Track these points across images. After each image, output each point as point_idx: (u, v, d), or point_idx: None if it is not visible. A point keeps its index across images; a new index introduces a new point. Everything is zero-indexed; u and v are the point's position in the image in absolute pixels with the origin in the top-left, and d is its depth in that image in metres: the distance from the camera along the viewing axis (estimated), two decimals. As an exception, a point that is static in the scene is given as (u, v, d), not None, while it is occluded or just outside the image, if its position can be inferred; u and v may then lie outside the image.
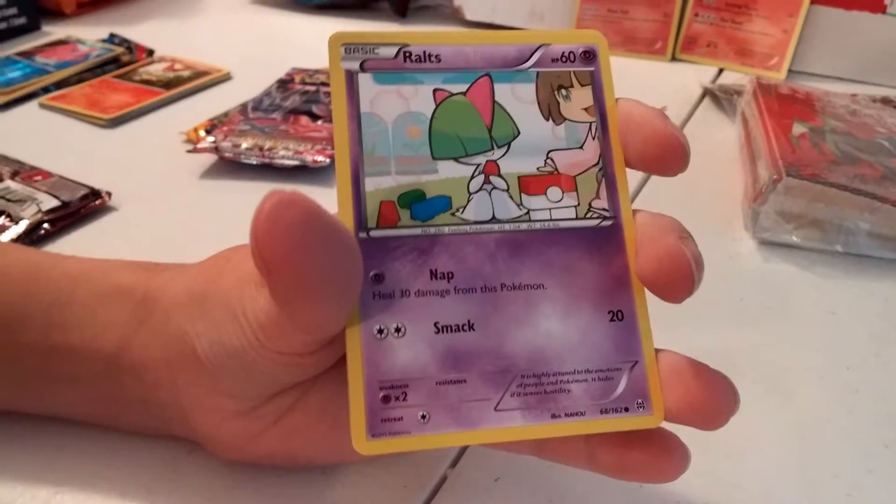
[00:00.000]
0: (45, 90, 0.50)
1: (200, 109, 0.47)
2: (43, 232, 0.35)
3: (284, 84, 0.50)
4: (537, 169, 0.19)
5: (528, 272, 0.18)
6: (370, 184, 0.18)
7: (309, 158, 0.40)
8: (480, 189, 0.19)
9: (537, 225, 0.19)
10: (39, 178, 0.39)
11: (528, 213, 0.19)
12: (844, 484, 0.24)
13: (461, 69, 0.19)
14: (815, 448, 0.25)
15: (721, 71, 0.60)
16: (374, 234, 0.18)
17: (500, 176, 0.19)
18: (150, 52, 0.56)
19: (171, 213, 0.38)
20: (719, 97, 0.52)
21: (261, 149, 0.41)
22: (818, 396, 0.28)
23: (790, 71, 0.59)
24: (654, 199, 0.39)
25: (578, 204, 0.19)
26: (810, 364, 0.29)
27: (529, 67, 0.19)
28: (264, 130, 0.43)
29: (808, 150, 0.38)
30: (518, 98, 0.19)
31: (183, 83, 0.51)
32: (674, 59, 0.62)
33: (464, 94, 0.19)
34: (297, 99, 0.48)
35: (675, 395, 0.18)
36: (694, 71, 0.59)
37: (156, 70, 0.53)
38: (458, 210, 0.18)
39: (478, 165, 0.19)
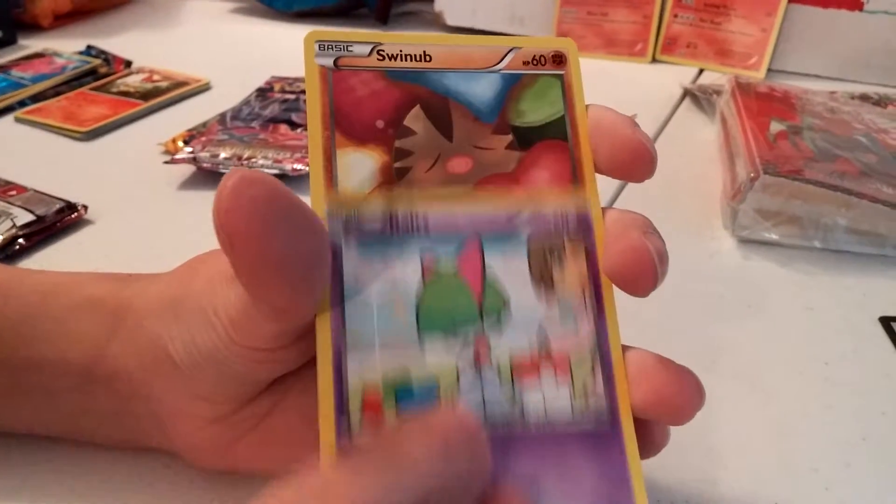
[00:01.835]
0: (22, 104, 0.49)
1: (179, 120, 0.47)
2: (18, 247, 0.35)
3: (264, 93, 0.50)
4: (528, 345, 0.18)
5: (520, 470, 0.17)
6: (353, 371, 0.17)
7: (288, 167, 0.40)
8: (471, 379, 0.17)
9: (531, 427, 0.17)
10: (14, 192, 0.38)
11: (521, 408, 0.17)
12: (823, 478, 0.24)
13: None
14: (793, 443, 0.25)
15: (701, 71, 0.61)
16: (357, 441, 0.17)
17: (490, 365, 0.17)
18: (128, 64, 0.56)
19: (148, 225, 0.38)
20: (699, 97, 0.52)
21: (239, 158, 0.41)
22: (797, 392, 0.28)
23: (770, 70, 0.59)
24: (634, 198, 0.40)
25: (573, 394, 0.18)
26: (789, 360, 0.29)
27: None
28: (243, 140, 0.43)
29: (785, 147, 0.39)
30: (508, 266, 0.18)
31: (161, 94, 0.51)
32: (654, 60, 0.62)
33: (454, 272, 0.18)
34: (276, 107, 0.47)
35: (642, 390, 0.18)
36: (674, 72, 0.60)
37: (133, 81, 0.53)
38: (445, 397, 0.17)
39: (466, 345, 0.17)
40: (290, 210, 0.16)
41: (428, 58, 0.19)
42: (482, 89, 0.20)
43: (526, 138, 0.19)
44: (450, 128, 0.19)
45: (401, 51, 0.19)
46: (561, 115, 0.20)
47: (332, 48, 0.19)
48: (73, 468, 0.23)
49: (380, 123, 0.19)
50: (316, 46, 0.19)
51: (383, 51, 0.19)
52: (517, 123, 0.20)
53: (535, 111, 0.20)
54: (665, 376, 0.18)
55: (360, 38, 0.19)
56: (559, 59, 0.20)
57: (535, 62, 0.20)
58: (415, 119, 0.19)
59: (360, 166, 0.18)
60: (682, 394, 0.17)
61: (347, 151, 0.18)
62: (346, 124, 0.18)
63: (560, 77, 0.20)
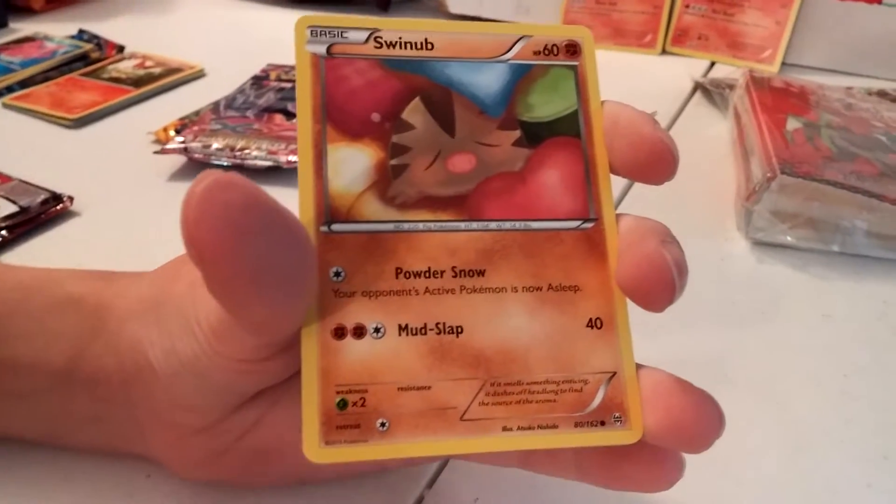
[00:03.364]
0: (9, 89, 0.48)
1: (171, 108, 0.46)
2: (0, 240, 0.33)
3: (259, 81, 0.48)
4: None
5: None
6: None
7: (283, 159, 0.38)
8: None
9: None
10: (-2, 181, 0.37)
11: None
12: (842, 500, 0.23)
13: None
14: (810, 460, 0.24)
15: (713, 64, 0.59)
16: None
17: None
18: (121, 49, 0.54)
19: (136, 217, 0.36)
20: (711, 91, 0.50)
21: (232, 149, 0.39)
22: (814, 405, 0.26)
23: (783, 64, 0.58)
24: (642, 198, 0.38)
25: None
26: (806, 370, 0.28)
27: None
28: (236, 130, 0.41)
29: (802, 145, 0.37)
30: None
31: (153, 81, 0.49)
32: (664, 52, 0.61)
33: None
34: (271, 96, 0.46)
35: (657, 415, 0.16)
36: (685, 64, 0.58)
37: (125, 67, 0.51)
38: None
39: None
40: (268, 218, 0.14)
41: (430, 46, 0.18)
42: (488, 81, 0.18)
43: (535, 134, 0.18)
44: (452, 122, 0.18)
45: (400, 38, 0.18)
46: (574, 110, 0.18)
47: (325, 34, 0.17)
48: (50, 476, 0.22)
49: (375, 117, 0.17)
50: (308, 32, 0.17)
51: (381, 38, 0.18)
52: (526, 118, 0.18)
53: (545, 105, 0.18)
54: (683, 400, 0.16)
55: (356, 23, 0.18)
56: (573, 49, 0.19)
57: (546, 52, 0.18)
58: (414, 112, 0.18)
59: (352, 163, 0.17)
60: (700, 419, 0.16)
61: (339, 147, 0.17)
62: (338, 117, 0.17)
63: (574, 68, 0.19)
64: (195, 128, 0.41)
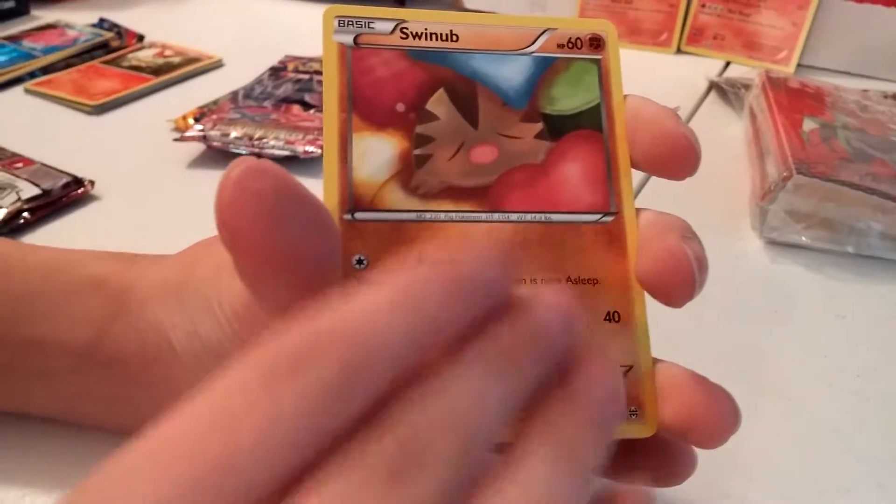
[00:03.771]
0: (32, 75, 0.48)
1: (190, 97, 0.46)
2: (22, 221, 0.34)
3: (277, 72, 0.49)
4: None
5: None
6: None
7: (300, 149, 0.39)
8: None
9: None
10: (21, 165, 0.37)
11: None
12: (855, 499, 0.23)
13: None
14: (823, 460, 0.24)
15: (728, 64, 0.59)
16: (359, 216, 0.17)
17: None
18: (141, 38, 0.55)
19: (155, 203, 0.37)
20: (726, 91, 0.50)
21: (250, 138, 0.40)
22: (827, 405, 0.26)
23: (799, 65, 0.57)
24: (657, 195, 0.38)
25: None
26: (819, 371, 0.28)
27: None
28: (254, 119, 0.42)
29: (818, 146, 0.37)
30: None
31: (173, 70, 0.49)
32: (679, 51, 0.60)
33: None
34: (289, 87, 0.46)
35: (673, 409, 0.17)
36: (700, 64, 0.58)
37: (145, 56, 0.51)
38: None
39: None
40: (298, 206, 0.15)
41: (455, 37, 0.18)
42: (512, 73, 0.18)
43: (557, 127, 0.18)
44: (475, 113, 0.18)
45: (426, 29, 0.18)
46: (596, 104, 0.18)
47: (352, 24, 0.18)
48: (70, 452, 0.22)
49: (400, 107, 0.18)
50: (335, 22, 0.18)
51: (407, 28, 0.18)
52: (548, 111, 0.18)
53: (568, 98, 0.18)
54: (699, 394, 0.16)
55: (383, 14, 0.18)
56: (597, 43, 0.19)
57: (570, 45, 0.19)
58: (438, 103, 0.18)
59: (377, 152, 0.17)
60: (716, 414, 0.16)
61: (365, 136, 0.17)
62: (364, 107, 0.17)
63: (597, 62, 0.19)
64: (214, 116, 0.42)
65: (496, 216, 0.17)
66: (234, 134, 0.40)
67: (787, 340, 0.30)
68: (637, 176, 0.20)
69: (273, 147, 0.39)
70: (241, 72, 0.49)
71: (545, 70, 0.18)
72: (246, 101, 0.44)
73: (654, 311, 0.18)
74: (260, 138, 0.40)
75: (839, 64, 0.57)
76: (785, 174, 0.34)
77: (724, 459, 0.23)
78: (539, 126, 0.18)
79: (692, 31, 0.60)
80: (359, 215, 0.17)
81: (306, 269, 0.15)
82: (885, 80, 0.56)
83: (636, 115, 0.18)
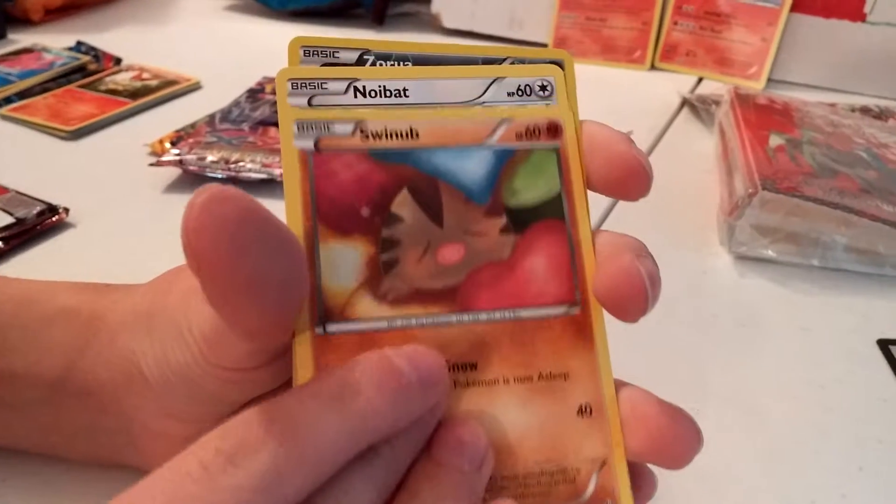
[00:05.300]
0: (7, 101, 0.48)
1: (168, 120, 0.46)
2: (-4, 250, 0.34)
3: (254, 94, 0.49)
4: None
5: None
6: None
7: (276, 171, 0.39)
8: None
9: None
10: (-5, 193, 0.37)
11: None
12: (818, 512, 0.23)
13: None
14: (787, 471, 0.25)
15: (700, 80, 0.60)
16: (330, 328, 0.16)
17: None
18: (118, 61, 0.55)
19: (131, 229, 0.37)
20: (697, 107, 0.51)
21: (226, 161, 0.40)
22: (791, 417, 0.27)
23: (769, 80, 0.59)
24: (628, 212, 0.39)
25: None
26: (783, 383, 0.29)
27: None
28: (231, 142, 0.42)
29: (784, 162, 0.38)
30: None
31: (150, 93, 0.50)
32: (653, 67, 0.62)
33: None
34: (266, 109, 0.47)
35: (638, 436, 0.17)
36: (673, 80, 0.59)
37: (123, 79, 0.52)
38: None
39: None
40: (262, 230, 0.15)
41: (415, 134, 0.18)
42: (473, 167, 0.18)
43: (521, 220, 0.18)
44: (440, 212, 0.18)
45: (385, 128, 0.18)
46: (557, 193, 0.19)
47: (311, 128, 0.17)
48: (43, 486, 0.22)
49: (365, 211, 0.17)
50: (294, 127, 0.17)
51: (367, 129, 0.18)
52: (511, 204, 0.18)
53: (529, 189, 0.18)
54: (662, 420, 0.17)
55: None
56: (554, 130, 0.19)
57: (528, 134, 0.19)
58: (402, 204, 0.18)
59: (344, 260, 0.17)
60: (679, 440, 0.17)
61: (331, 244, 0.17)
62: (329, 214, 0.17)
63: (555, 150, 0.19)
64: (191, 140, 0.42)
65: (466, 318, 0.17)
66: (210, 158, 0.40)
67: (753, 353, 0.30)
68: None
69: (249, 170, 0.39)
70: (219, 93, 0.50)
71: (505, 162, 0.18)
72: (223, 123, 0.45)
73: (623, 326, 0.18)
74: (236, 161, 0.40)
75: (809, 78, 0.59)
76: (751, 190, 0.35)
77: (690, 473, 0.24)
78: (503, 220, 0.18)
79: (665, 48, 0.62)
80: (330, 328, 0.16)
81: (273, 293, 0.15)
82: (852, 93, 0.57)
83: (591, 140, 0.19)
